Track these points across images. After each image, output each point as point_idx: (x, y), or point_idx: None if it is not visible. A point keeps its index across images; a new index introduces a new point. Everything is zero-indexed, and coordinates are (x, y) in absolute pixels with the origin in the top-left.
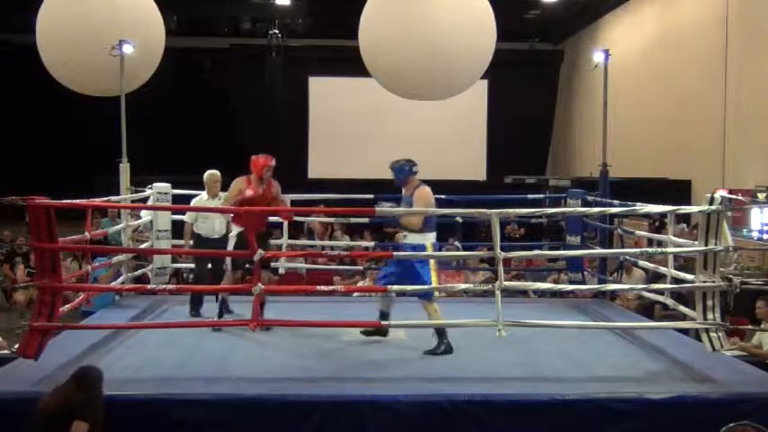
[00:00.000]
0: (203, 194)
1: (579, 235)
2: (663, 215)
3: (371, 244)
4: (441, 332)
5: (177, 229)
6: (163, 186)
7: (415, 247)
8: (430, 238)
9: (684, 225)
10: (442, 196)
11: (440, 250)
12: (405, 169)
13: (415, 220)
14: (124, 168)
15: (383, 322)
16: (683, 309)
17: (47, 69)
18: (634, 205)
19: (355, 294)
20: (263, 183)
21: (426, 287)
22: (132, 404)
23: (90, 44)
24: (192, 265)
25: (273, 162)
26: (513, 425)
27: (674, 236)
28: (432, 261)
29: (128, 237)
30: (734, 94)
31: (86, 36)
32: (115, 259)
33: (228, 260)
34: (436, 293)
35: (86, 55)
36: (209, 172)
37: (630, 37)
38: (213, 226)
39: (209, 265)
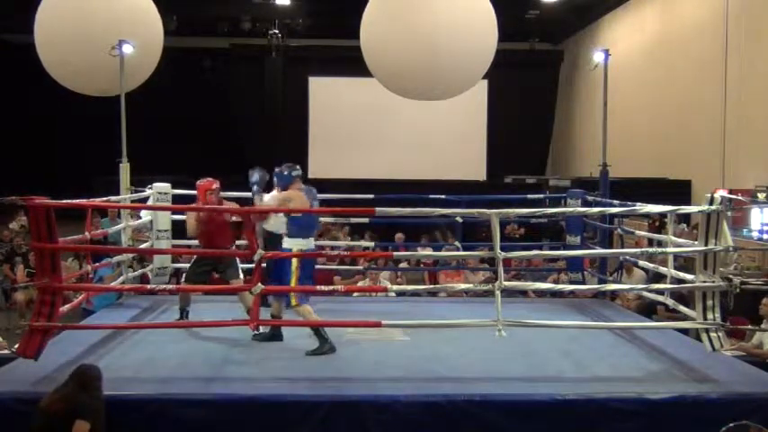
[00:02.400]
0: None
1: (579, 235)
2: (663, 215)
3: (371, 244)
4: (318, 331)
5: (177, 228)
6: (163, 186)
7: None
8: (299, 244)
9: (684, 225)
10: (442, 196)
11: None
12: (284, 174)
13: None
14: (124, 168)
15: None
16: (683, 309)
17: (46, 69)
18: (634, 205)
19: (355, 294)
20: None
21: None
22: (132, 404)
23: (90, 44)
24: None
25: (216, 185)
26: (513, 425)
27: (675, 236)
28: (294, 266)
29: (128, 237)
30: (734, 94)
31: (86, 36)
32: (116, 259)
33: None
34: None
35: (86, 55)
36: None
37: (630, 37)
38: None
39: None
